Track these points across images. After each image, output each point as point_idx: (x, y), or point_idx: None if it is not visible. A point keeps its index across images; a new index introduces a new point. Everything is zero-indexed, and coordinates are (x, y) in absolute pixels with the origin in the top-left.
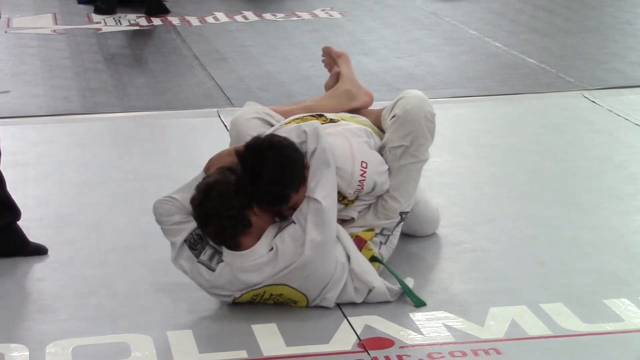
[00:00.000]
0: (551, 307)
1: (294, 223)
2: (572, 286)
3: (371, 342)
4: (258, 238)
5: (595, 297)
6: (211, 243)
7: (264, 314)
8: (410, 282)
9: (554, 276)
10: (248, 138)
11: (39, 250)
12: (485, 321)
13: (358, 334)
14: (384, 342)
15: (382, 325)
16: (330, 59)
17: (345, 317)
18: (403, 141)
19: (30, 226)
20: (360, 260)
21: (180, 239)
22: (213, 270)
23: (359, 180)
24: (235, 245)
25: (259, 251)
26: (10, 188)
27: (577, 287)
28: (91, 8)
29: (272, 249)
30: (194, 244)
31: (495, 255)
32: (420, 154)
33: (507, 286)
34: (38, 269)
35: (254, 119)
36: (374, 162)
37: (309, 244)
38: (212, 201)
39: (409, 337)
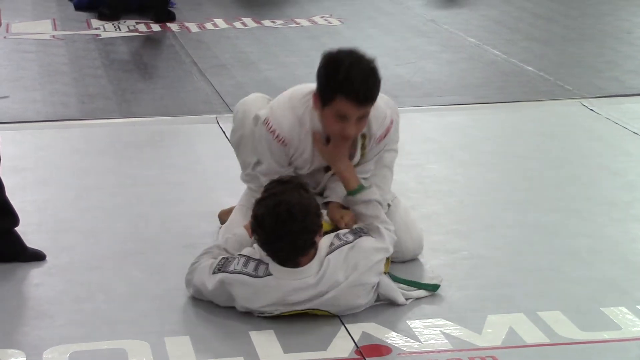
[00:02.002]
0: (549, 315)
1: (345, 244)
2: (570, 294)
3: (369, 350)
4: (312, 258)
5: (593, 305)
6: (245, 254)
7: (261, 321)
8: (437, 280)
9: (552, 284)
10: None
11: (37, 256)
12: (483, 329)
13: (356, 341)
14: (381, 350)
15: (379, 332)
16: None
17: (343, 324)
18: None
19: (29, 231)
20: (386, 281)
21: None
22: (254, 276)
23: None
24: (295, 263)
25: (309, 271)
26: (9, 193)
27: (574, 295)
28: (91, 14)
29: (320, 269)
30: (221, 267)
31: (493, 263)
32: None
33: (505, 293)
34: (36, 274)
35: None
36: None
37: (353, 276)
38: (296, 221)
39: (407, 344)
